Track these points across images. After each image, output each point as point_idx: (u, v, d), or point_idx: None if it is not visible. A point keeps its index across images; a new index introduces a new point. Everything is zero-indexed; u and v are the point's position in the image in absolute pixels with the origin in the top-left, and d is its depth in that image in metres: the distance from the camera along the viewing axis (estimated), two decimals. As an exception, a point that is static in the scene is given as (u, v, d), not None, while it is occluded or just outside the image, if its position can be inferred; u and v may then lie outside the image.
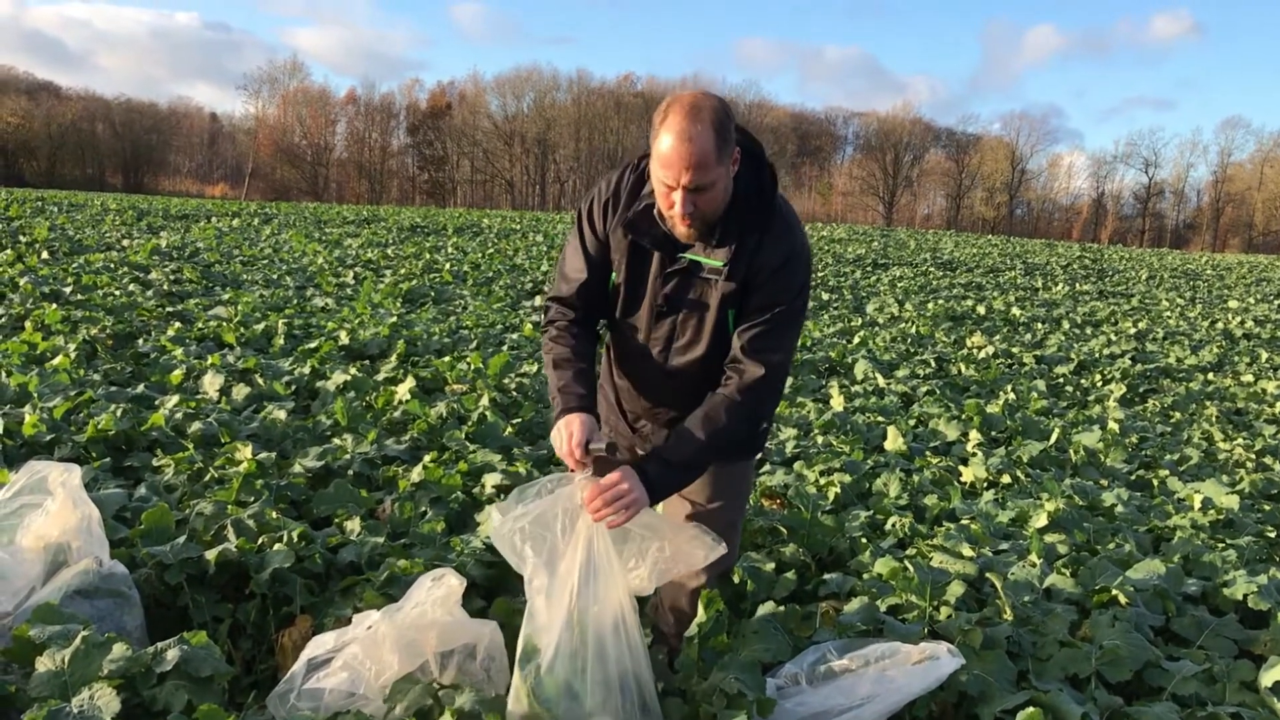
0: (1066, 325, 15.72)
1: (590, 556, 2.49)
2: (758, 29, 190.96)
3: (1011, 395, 9.13)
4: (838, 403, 8.07)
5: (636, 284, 2.73)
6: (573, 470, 2.59)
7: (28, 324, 8.78)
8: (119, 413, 5.40)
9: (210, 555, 3.44)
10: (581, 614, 2.47)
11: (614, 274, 2.75)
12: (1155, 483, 6.36)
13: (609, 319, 2.88)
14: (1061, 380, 10.75)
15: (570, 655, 2.47)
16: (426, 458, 5.09)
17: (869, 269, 24.11)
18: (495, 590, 3.61)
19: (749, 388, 2.64)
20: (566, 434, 2.56)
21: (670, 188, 2.45)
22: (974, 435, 6.97)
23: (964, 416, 7.61)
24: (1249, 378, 11.55)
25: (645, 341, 2.78)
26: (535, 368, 8.37)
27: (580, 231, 2.77)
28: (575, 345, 2.75)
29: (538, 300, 12.27)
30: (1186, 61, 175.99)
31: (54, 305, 9.65)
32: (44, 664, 2.56)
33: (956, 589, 3.55)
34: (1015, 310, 16.95)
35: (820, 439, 6.69)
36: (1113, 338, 14.39)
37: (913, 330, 13.53)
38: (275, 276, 14.62)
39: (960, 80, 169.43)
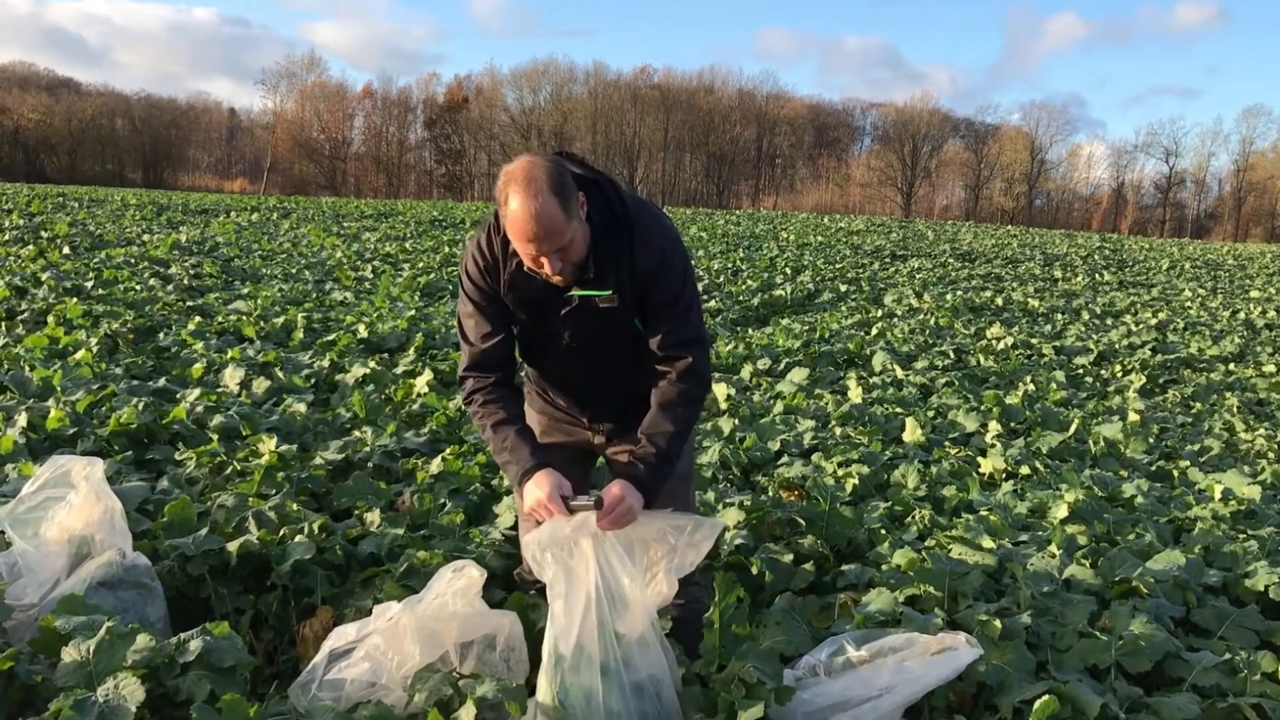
0: (1086, 316, 15.63)
1: (606, 574, 2.52)
2: (777, 19, 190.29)
3: (1031, 386, 9.09)
4: (856, 394, 8.05)
5: (540, 328, 2.83)
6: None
7: (50, 319, 8.85)
8: (141, 406, 5.44)
9: (232, 547, 3.47)
10: (603, 624, 2.50)
11: (514, 327, 2.86)
12: (1176, 474, 6.32)
13: (525, 357, 2.99)
14: (1081, 371, 10.70)
15: (591, 661, 2.49)
16: (446, 450, 5.11)
17: (887, 260, 24.03)
18: (514, 582, 3.62)
19: (685, 373, 2.79)
20: (541, 493, 2.63)
21: (535, 259, 2.56)
22: (993, 426, 6.95)
23: (983, 407, 7.58)
24: (1271, 368, 11.46)
25: (567, 370, 2.93)
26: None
27: (470, 299, 2.83)
28: (506, 406, 2.84)
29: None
30: (1211, 49, 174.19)
31: (75, 300, 9.73)
32: (69, 654, 2.59)
33: (975, 580, 3.54)
34: (1034, 301, 16.87)
35: (838, 430, 6.68)
36: (1133, 328, 14.30)
37: (931, 321, 13.49)
38: (294, 271, 14.70)
39: (981, 70, 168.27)
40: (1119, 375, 10.61)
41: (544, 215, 2.46)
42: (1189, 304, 18.50)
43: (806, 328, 12.26)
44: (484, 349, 2.84)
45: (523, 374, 3.14)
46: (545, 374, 3.01)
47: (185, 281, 12.29)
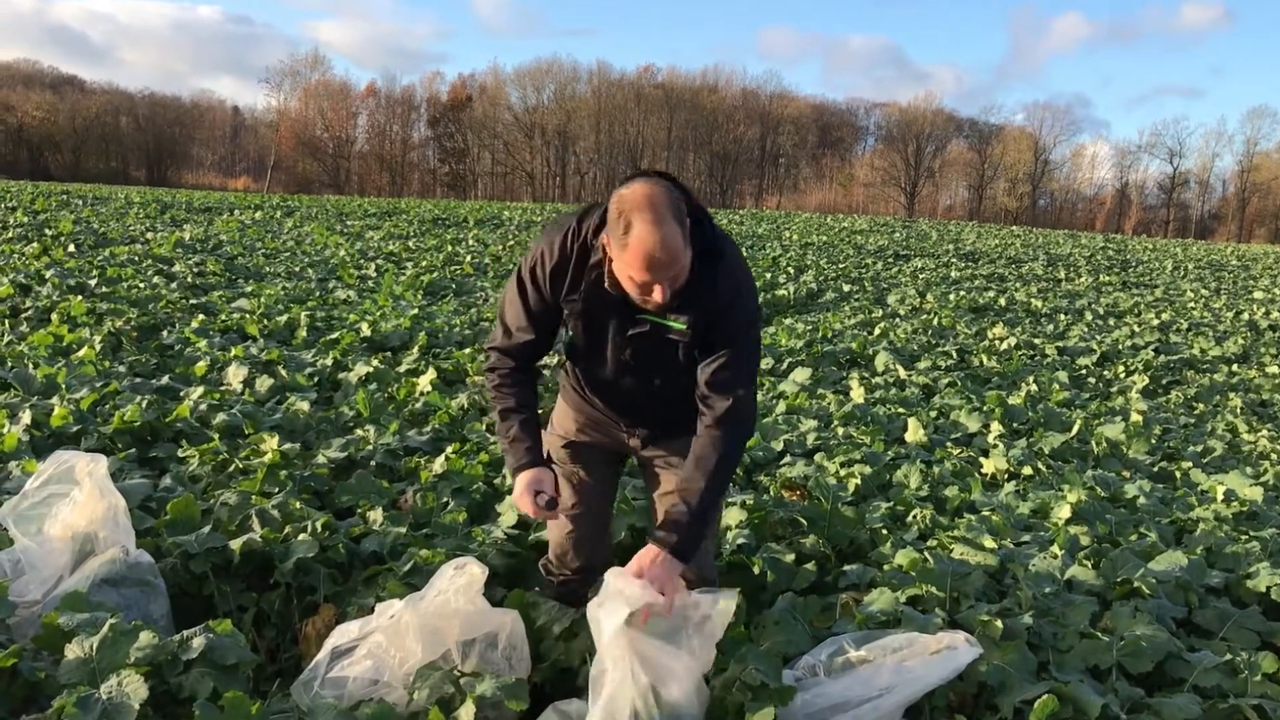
0: (1089, 316, 15.62)
1: (640, 650, 2.50)
2: (781, 18, 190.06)
3: (1033, 387, 9.09)
4: (858, 394, 8.05)
5: (596, 341, 2.84)
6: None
7: (54, 316, 8.87)
8: (144, 404, 5.45)
9: (235, 545, 3.47)
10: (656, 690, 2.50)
11: (568, 332, 2.86)
12: (1178, 474, 6.32)
13: (571, 358, 2.99)
14: (1084, 371, 10.69)
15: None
16: (449, 449, 5.11)
17: (890, 260, 24.03)
18: (516, 580, 3.63)
19: (723, 419, 2.72)
20: (525, 495, 2.77)
21: (646, 287, 2.52)
22: (995, 427, 6.95)
23: (985, 408, 7.58)
24: (1274, 369, 11.44)
25: (615, 381, 2.92)
26: (556, 359, 8.37)
27: (524, 292, 2.81)
28: (519, 394, 2.89)
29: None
30: (1217, 49, 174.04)
31: (79, 298, 9.74)
32: (72, 651, 2.60)
33: (977, 580, 3.54)
34: (1037, 301, 16.86)
35: (841, 430, 6.68)
36: (1136, 329, 14.29)
37: (934, 321, 13.48)
38: (298, 269, 14.71)
39: (986, 69, 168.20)
40: (1122, 376, 10.60)
41: (669, 244, 2.43)
42: (1192, 305, 18.48)
43: (809, 327, 12.26)
44: (517, 342, 2.86)
45: (563, 367, 3.13)
46: (589, 378, 2.99)
47: (189, 279, 12.30)
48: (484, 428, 5.70)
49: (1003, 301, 16.63)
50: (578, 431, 3.09)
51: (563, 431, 3.14)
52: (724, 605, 2.58)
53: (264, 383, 6.59)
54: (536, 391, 2.97)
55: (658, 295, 2.52)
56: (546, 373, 7.18)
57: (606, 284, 2.64)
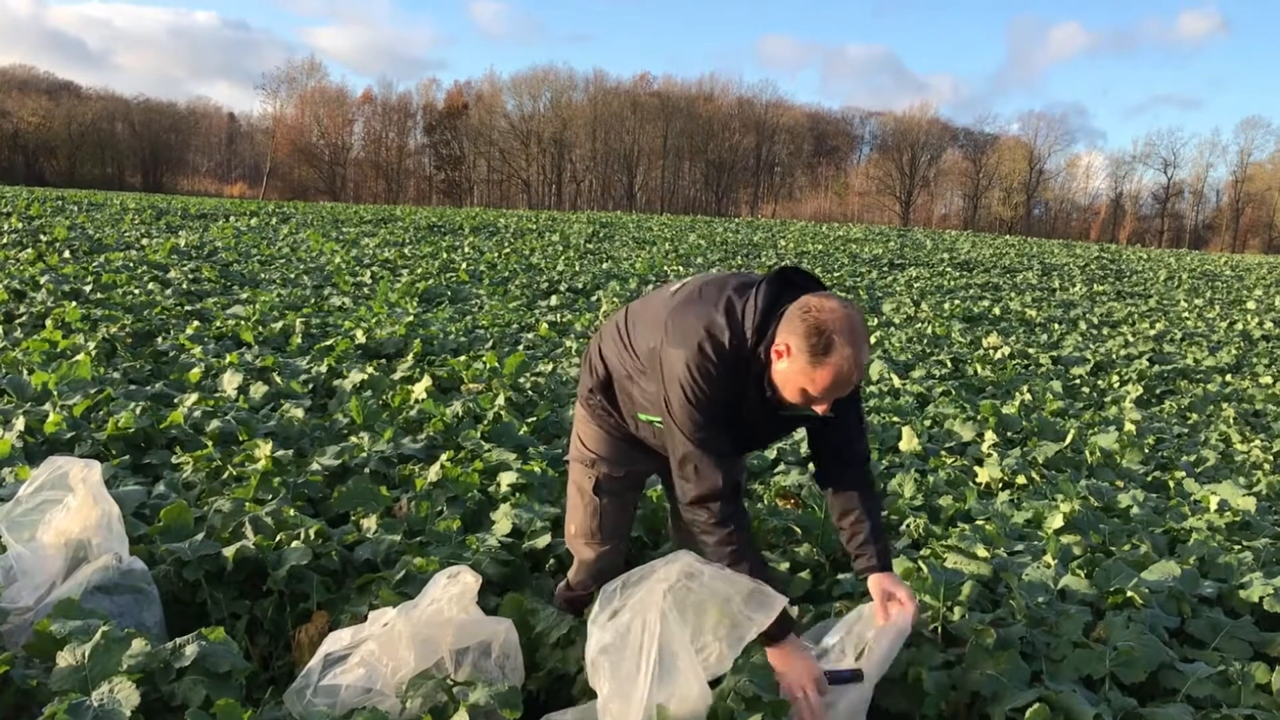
0: (1083, 326, 15.65)
1: (661, 655, 2.46)
2: (780, 27, 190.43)
3: (1027, 396, 9.10)
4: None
5: (732, 425, 2.81)
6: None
7: (48, 322, 8.86)
8: (138, 410, 5.44)
9: (228, 552, 3.47)
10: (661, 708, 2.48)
11: None
12: (1171, 484, 6.33)
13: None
14: (1078, 381, 10.71)
15: None
16: (443, 456, 5.11)
17: (885, 269, 24.05)
18: (510, 588, 3.63)
19: (865, 474, 2.99)
20: (806, 679, 2.65)
21: (821, 402, 2.62)
22: (989, 436, 6.95)
23: (980, 417, 7.59)
24: (1267, 379, 11.48)
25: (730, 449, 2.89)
26: (551, 366, 8.38)
27: (715, 401, 2.73)
28: (754, 540, 3.01)
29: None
30: (1215, 60, 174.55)
31: (74, 304, 9.73)
32: (64, 659, 2.59)
33: (971, 590, 3.55)
34: (1032, 311, 16.89)
35: (835, 439, 6.67)
36: (1130, 339, 14.32)
37: (929, 330, 13.50)
38: (293, 276, 14.70)
39: (984, 79, 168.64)
40: (1116, 385, 10.62)
41: (863, 369, 2.60)
42: (1186, 315, 18.53)
43: (804, 336, 12.25)
44: (734, 457, 2.82)
45: (602, 400, 3.12)
46: None
47: (184, 286, 12.29)
48: (479, 435, 5.69)
49: (997, 311, 16.66)
50: (629, 461, 3.10)
51: (616, 458, 3.12)
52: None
53: (258, 389, 6.58)
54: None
55: (823, 409, 2.63)
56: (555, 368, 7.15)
57: (766, 392, 2.69)
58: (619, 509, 3.14)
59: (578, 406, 3.28)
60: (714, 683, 2.57)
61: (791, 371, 2.58)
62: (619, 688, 2.44)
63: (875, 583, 2.82)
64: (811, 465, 3.20)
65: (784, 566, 3.92)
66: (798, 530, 4.33)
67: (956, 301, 17.67)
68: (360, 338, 8.95)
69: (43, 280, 11.09)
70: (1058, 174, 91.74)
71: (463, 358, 8.41)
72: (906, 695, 2.98)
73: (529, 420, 6.22)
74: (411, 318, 10.62)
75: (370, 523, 4.02)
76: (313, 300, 12.20)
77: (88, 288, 10.99)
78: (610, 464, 3.09)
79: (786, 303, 2.63)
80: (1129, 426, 7.84)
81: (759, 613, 2.51)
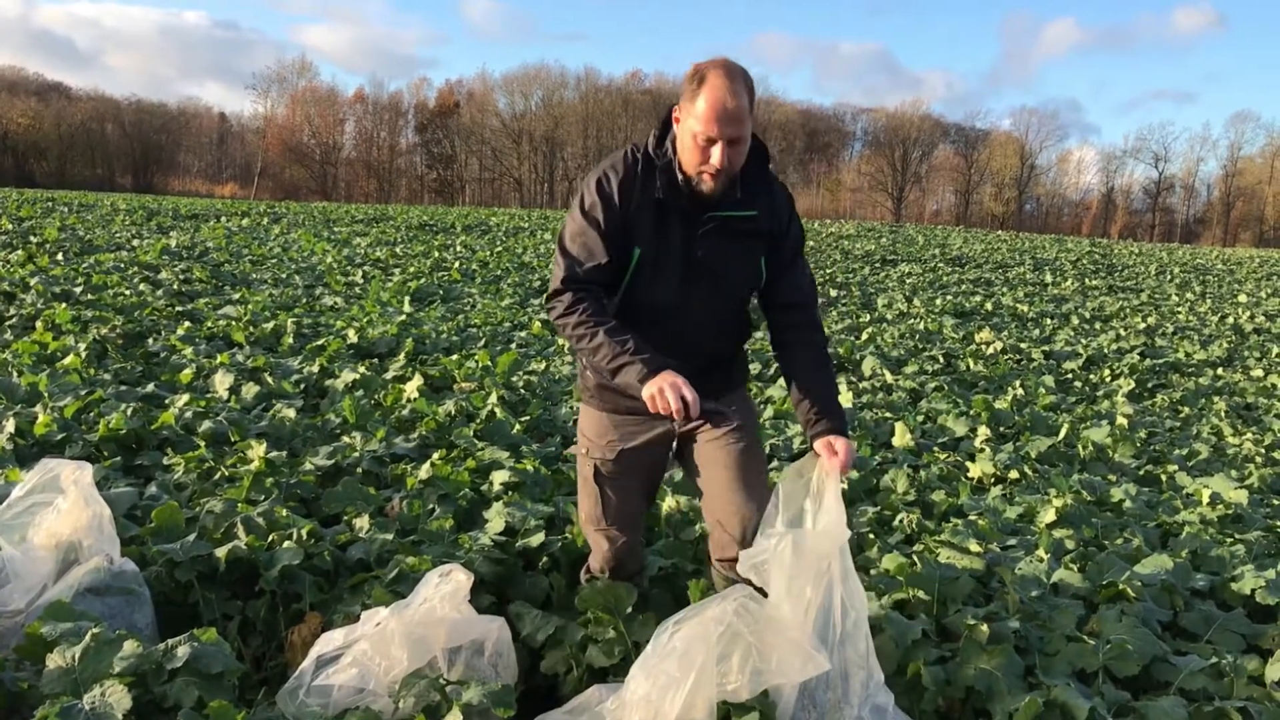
0: (1075, 320, 15.69)
1: (688, 673, 2.47)
2: (774, 24, 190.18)
3: (1020, 391, 9.12)
4: (846, 398, 8.06)
5: (663, 252, 2.84)
6: (674, 420, 2.69)
7: (39, 324, 8.83)
8: (129, 412, 5.43)
9: (220, 553, 3.46)
10: None
11: (635, 251, 2.83)
12: (1164, 478, 6.34)
13: (625, 297, 2.91)
14: (1070, 376, 10.73)
15: None
16: (435, 455, 5.10)
17: (877, 265, 24.08)
18: (503, 587, 3.63)
19: (816, 326, 3.03)
20: (678, 393, 2.59)
21: (710, 142, 2.65)
22: (982, 431, 6.96)
23: (972, 412, 7.60)
24: (1259, 372, 11.52)
25: (673, 305, 2.88)
26: (544, 365, 8.38)
27: (590, 218, 2.81)
28: (613, 317, 2.81)
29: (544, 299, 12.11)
30: (1210, 54, 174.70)
31: (64, 305, 9.70)
32: (55, 661, 2.58)
33: (964, 585, 3.55)
34: (1024, 306, 16.92)
35: (828, 435, 6.67)
36: (1122, 333, 14.35)
37: (921, 326, 13.52)
38: (284, 275, 14.67)
39: (978, 75, 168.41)
40: (1108, 380, 10.64)
41: (740, 101, 2.61)
42: (1178, 309, 18.58)
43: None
44: (592, 267, 2.81)
45: (586, 368, 3.06)
46: (647, 312, 2.89)
47: (175, 286, 12.26)
48: (471, 433, 5.68)
49: (989, 306, 16.68)
50: (621, 439, 3.03)
51: (609, 440, 3.05)
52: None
53: (250, 390, 6.57)
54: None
55: (716, 158, 2.65)
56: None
57: (679, 181, 2.76)
58: (622, 494, 3.10)
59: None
60: None
61: (683, 125, 2.71)
62: None
63: (837, 442, 2.78)
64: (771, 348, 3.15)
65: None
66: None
67: (949, 297, 17.70)
68: (352, 337, 8.93)
69: (33, 282, 11.06)
70: (1049, 169, 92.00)
71: (455, 356, 8.40)
72: (904, 691, 2.98)
73: (522, 419, 6.22)
74: (404, 317, 10.61)
75: (363, 522, 4.01)
76: (304, 300, 12.18)
77: (78, 289, 10.95)
78: (602, 447, 3.05)
79: None
80: (1121, 421, 7.86)
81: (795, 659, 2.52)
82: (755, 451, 3.02)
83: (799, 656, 2.48)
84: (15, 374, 6.51)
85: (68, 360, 7.10)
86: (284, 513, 3.94)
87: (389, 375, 7.55)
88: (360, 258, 18.41)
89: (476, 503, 4.52)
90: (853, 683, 2.59)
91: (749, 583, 2.63)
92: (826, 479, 2.68)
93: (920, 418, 7.56)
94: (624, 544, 3.19)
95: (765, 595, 2.58)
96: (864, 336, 12.17)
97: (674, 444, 3.15)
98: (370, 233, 25.26)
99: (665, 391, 2.59)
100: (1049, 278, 23.48)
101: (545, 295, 2.95)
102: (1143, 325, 15.39)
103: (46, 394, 5.94)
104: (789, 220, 2.96)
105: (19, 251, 14.66)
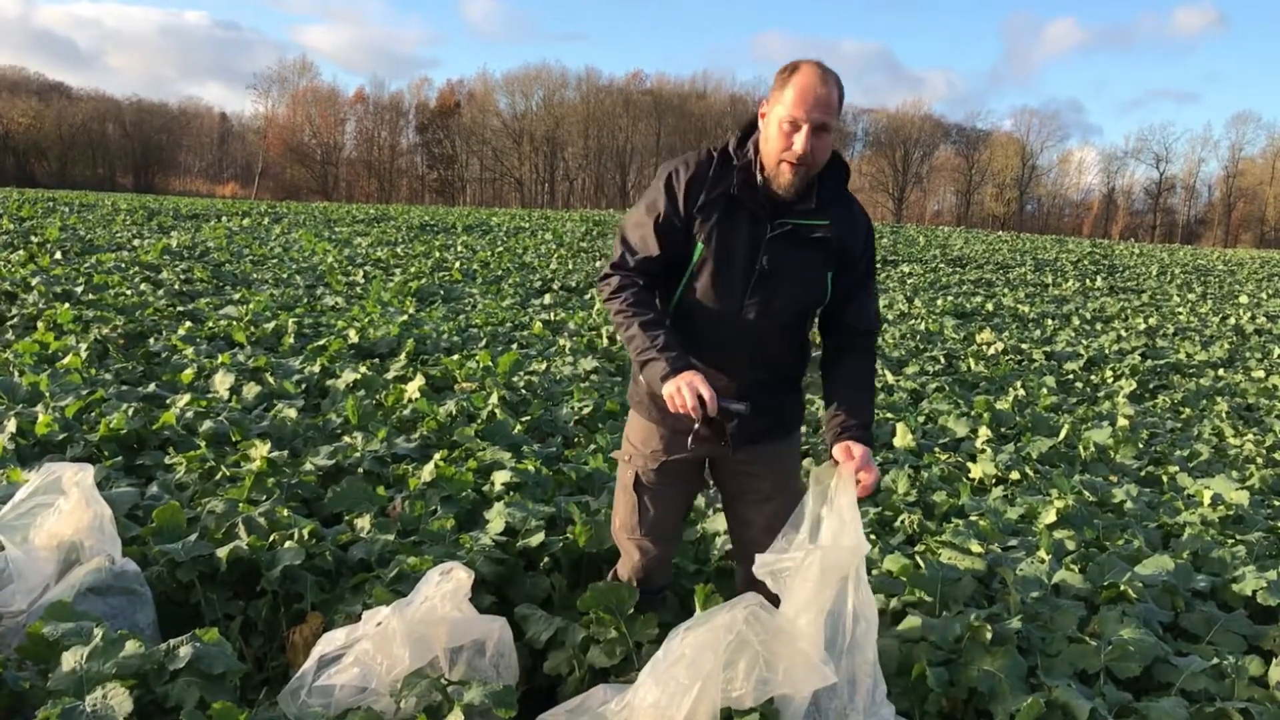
0: (1076, 321, 15.68)
1: (696, 679, 2.46)
2: (774, 23, 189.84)
3: (1021, 391, 9.12)
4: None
5: (727, 252, 2.79)
6: (694, 420, 2.65)
7: (40, 324, 8.82)
8: (130, 412, 5.43)
9: (222, 553, 3.46)
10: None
11: (698, 249, 2.80)
12: (1165, 479, 6.34)
13: (684, 296, 2.89)
14: (1071, 376, 10.73)
15: None
16: (436, 456, 5.10)
17: (879, 265, 24.06)
18: (504, 588, 3.63)
19: (872, 352, 2.99)
20: (695, 390, 2.60)
21: (795, 128, 2.64)
22: (983, 431, 6.97)
23: (973, 413, 7.60)
24: (1260, 373, 11.51)
25: (731, 310, 2.83)
26: (544, 365, 8.38)
27: (656, 209, 2.81)
28: (656, 311, 2.81)
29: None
30: (1211, 54, 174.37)
31: (66, 305, 9.70)
32: (65, 662, 2.58)
33: (967, 585, 3.55)
34: (1025, 306, 16.92)
35: (829, 436, 6.68)
36: (1123, 334, 14.35)
37: (922, 327, 13.51)
38: (285, 275, 14.67)
39: (979, 75, 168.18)
40: (1109, 380, 10.64)
41: (830, 89, 2.63)
42: (1179, 309, 18.57)
43: (798, 333, 12.27)
44: (642, 258, 2.83)
45: (636, 378, 3.01)
46: (702, 315, 2.86)
47: (176, 286, 12.26)
48: (473, 433, 5.68)
49: (990, 306, 16.68)
50: (665, 449, 2.98)
51: (653, 450, 3.00)
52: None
53: (251, 390, 6.57)
54: (666, 316, 2.89)
55: (801, 143, 2.63)
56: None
57: (756, 180, 2.74)
58: (660, 505, 3.05)
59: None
60: None
61: (769, 116, 2.71)
62: None
63: (856, 448, 2.75)
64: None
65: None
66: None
67: (949, 298, 17.69)
68: (353, 337, 8.93)
69: (34, 282, 11.05)
70: (1050, 170, 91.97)
71: (456, 357, 8.40)
72: (907, 692, 2.98)
73: (523, 419, 6.22)
74: (405, 317, 10.61)
75: (364, 523, 4.01)
76: (305, 300, 12.18)
77: (79, 289, 10.95)
78: (645, 456, 3.00)
79: None
80: (1122, 421, 7.86)
81: (803, 672, 2.52)
82: (788, 509, 2.78)
83: (807, 668, 2.48)
84: (16, 374, 6.51)
85: (69, 360, 7.10)
86: (285, 513, 3.94)
87: (390, 375, 7.55)
88: (361, 258, 18.41)
89: (478, 503, 4.52)
90: (859, 690, 2.59)
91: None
92: (841, 485, 2.65)
93: (921, 418, 7.56)
94: (655, 556, 3.14)
95: (777, 600, 2.58)
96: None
97: (697, 493, 3.17)
98: (371, 233, 25.26)
99: (682, 389, 2.59)
100: (1050, 278, 23.47)
101: (603, 272, 2.94)
102: (1144, 326, 15.39)
103: (48, 394, 5.94)
104: (864, 242, 2.90)
105: (20, 251, 14.66)
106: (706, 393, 2.59)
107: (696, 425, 2.69)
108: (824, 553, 2.51)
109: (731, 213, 2.76)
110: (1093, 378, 10.75)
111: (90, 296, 10.59)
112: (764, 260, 2.77)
